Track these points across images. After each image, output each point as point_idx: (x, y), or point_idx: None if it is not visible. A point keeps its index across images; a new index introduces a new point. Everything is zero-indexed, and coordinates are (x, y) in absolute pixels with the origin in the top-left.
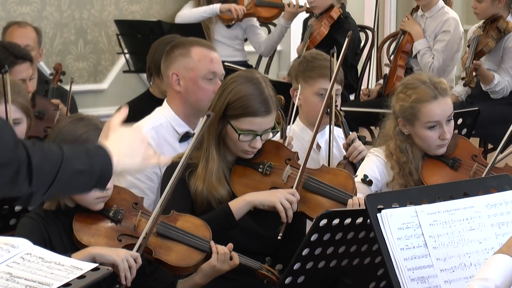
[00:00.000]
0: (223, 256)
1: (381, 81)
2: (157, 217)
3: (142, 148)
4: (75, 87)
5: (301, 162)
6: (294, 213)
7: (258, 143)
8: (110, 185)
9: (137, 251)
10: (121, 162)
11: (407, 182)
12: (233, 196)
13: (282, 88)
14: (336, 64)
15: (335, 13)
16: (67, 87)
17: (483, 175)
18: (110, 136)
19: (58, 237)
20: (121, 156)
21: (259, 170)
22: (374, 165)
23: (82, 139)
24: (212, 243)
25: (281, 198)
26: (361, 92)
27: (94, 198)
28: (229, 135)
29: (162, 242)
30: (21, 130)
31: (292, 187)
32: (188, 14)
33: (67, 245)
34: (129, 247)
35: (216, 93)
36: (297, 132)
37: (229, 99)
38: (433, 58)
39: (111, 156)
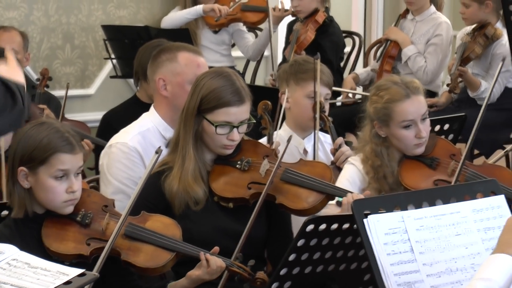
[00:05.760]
0: (215, 270)
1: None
2: (124, 219)
3: None
4: (62, 92)
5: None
6: (275, 205)
7: (236, 135)
8: (77, 187)
9: (105, 254)
10: None
11: (381, 186)
12: (209, 196)
13: (269, 94)
14: (319, 71)
15: (320, 18)
16: (53, 92)
17: (457, 172)
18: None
19: (26, 247)
20: None
21: (237, 166)
22: (349, 176)
23: (44, 143)
24: (207, 255)
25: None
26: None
27: (62, 202)
28: (206, 131)
29: (130, 243)
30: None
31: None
32: (173, 17)
33: (36, 254)
34: (98, 250)
35: (189, 92)
36: (284, 138)
37: (202, 93)
38: (425, 61)
39: None
